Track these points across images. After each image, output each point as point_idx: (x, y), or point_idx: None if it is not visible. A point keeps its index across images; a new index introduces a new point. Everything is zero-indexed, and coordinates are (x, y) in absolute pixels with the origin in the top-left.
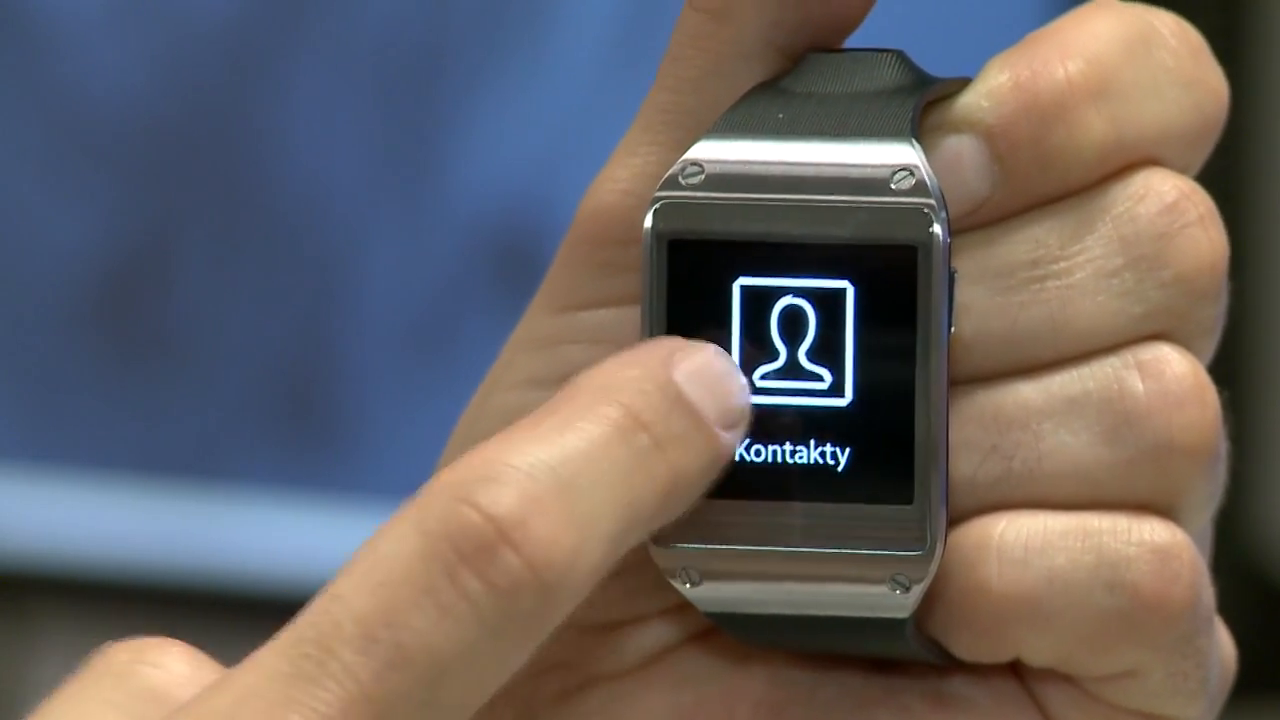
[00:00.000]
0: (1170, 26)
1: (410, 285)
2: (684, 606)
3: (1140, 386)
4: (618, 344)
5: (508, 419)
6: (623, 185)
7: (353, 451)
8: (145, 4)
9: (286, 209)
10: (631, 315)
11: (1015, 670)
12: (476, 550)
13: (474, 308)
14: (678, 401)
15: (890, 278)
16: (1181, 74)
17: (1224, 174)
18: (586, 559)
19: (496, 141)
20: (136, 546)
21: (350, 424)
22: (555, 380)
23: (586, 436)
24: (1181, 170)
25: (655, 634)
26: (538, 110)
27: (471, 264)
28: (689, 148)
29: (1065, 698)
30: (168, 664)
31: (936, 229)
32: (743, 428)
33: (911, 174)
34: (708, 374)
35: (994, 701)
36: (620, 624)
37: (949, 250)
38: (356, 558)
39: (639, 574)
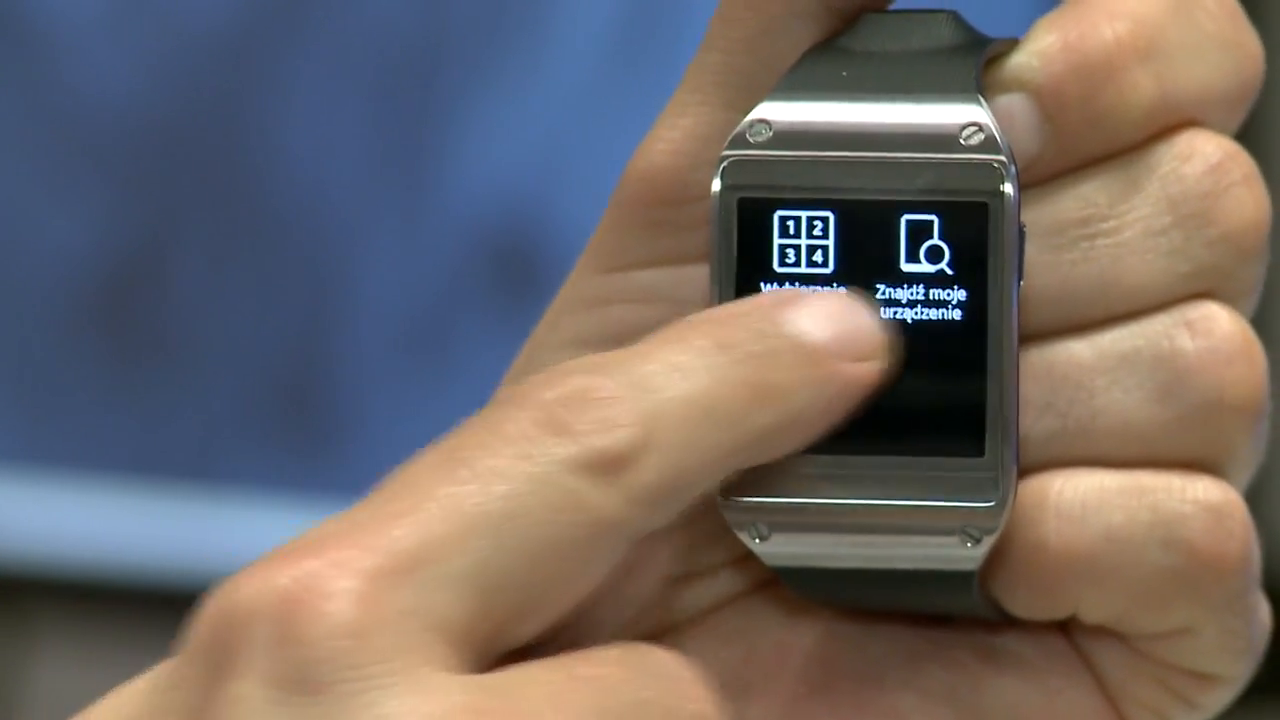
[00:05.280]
0: None
1: (407, 287)
2: (735, 562)
3: (1190, 344)
4: (669, 303)
5: None
6: (674, 145)
7: (349, 453)
8: (143, 6)
9: (283, 211)
10: (683, 274)
11: (1064, 628)
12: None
13: (470, 309)
14: (775, 326)
15: (961, 233)
16: (1221, 36)
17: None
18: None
19: (494, 143)
20: (134, 548)
21: (346, 425)
22: (603, 340)
23: (672, 355)
24: (1220, 133)
25: (706, 589)
26: (535, 111)
27: (468, 266)
28: (742, 107)
29: (1115, 655)
30: None
31: (1008, 184)
32: (878, 361)
33: (981, 130)
34: (825, 307)
35: (1043, 658)
36: (672, 579)
37: (1019, 205)
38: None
39: (693, 529)
